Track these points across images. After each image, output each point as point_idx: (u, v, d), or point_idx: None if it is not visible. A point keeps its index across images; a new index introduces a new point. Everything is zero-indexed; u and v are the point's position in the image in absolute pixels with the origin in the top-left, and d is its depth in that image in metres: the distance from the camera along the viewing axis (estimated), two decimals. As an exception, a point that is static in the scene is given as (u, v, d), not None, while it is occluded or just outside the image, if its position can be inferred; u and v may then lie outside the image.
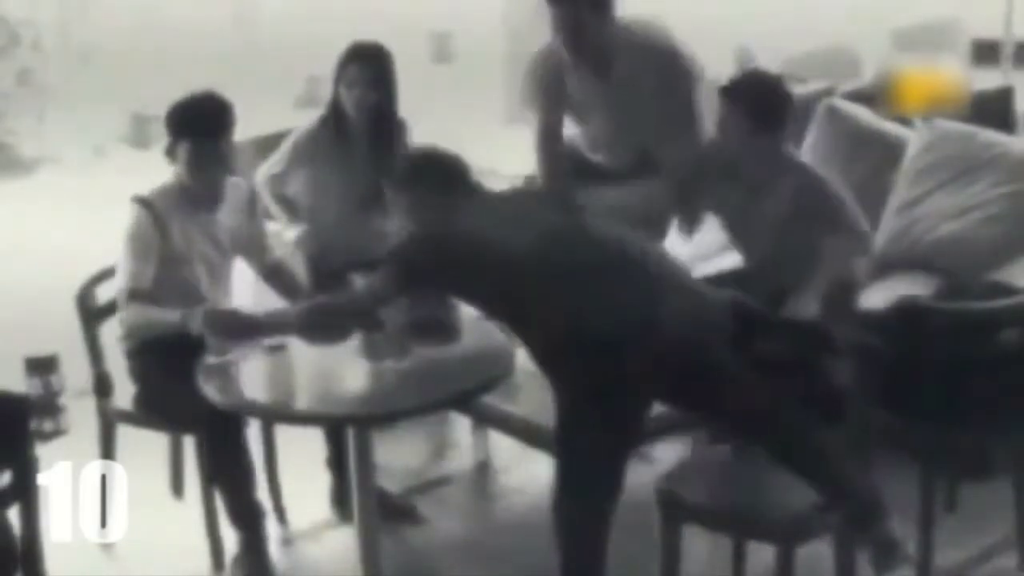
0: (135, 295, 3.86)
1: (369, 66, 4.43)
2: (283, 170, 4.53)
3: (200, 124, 3.88)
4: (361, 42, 4.50)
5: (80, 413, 3.88)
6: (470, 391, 3.54)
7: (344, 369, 3.58)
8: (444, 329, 3.68)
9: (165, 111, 3.92)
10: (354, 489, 3.61)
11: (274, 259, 4.21)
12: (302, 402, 3.61)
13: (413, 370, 3.53)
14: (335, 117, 4.50)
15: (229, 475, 3.82)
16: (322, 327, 3.59)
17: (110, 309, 4.01)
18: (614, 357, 3.12)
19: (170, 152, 3.92)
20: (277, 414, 3.68)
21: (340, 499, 4.20)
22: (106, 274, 4.01)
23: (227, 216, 4.03)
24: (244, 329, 3.58)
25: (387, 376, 3.53)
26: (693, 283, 3.37)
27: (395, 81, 4.48)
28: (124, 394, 4.01)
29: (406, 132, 4.62)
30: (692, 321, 3.18)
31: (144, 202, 3.89)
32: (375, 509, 3.63)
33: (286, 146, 4.56)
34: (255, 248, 4.16)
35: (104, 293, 4.02)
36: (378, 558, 3.62)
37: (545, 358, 3.30)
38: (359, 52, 4.45)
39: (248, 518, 3.84)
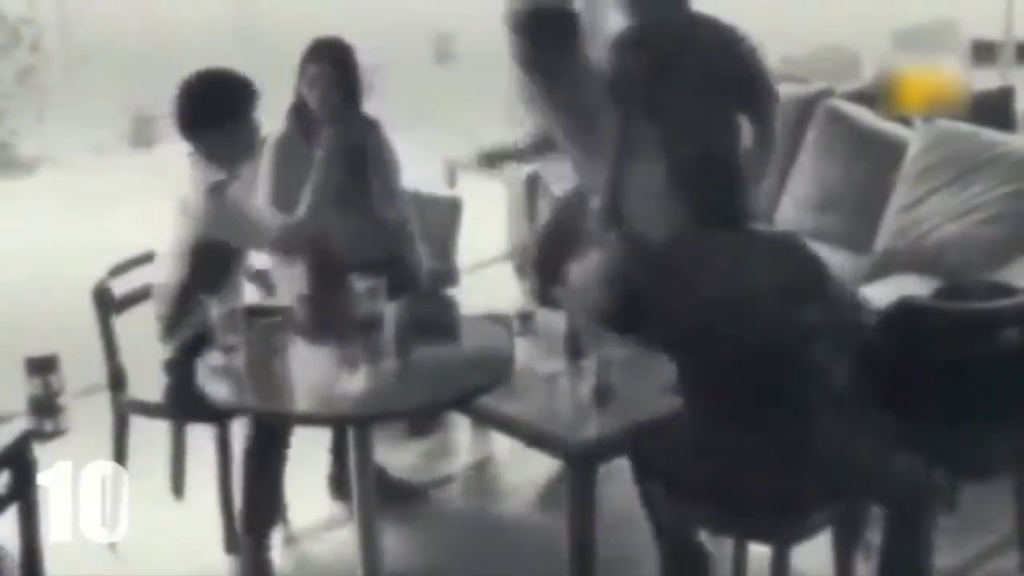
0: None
1: (329, 65, 4.32)
2: (273, 186, 4.48)
3: (230, 104, 3.91)
4: (321, 39, 4.40)
5: (81, 413, 3.87)
6: (470, 391, 3.53)
7: (345, 369, 3.58)
8: (444, 329, 3.68)
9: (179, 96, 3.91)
10: (354, 488, 3.60)
11: None
12: (303, 402, 3.60)
13: (413, 370, 3.53)
14: (298, 119, 4.44)
15: (260, 483, 3.81)
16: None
17: (125, 303, 4.02)
18: None
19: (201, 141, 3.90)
20: (277, 414, 3.68)
21: (338, 480, 4.21)
22: (122, 268, 4.01)
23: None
24: None
25: (387, 376, 3.53)
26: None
27: (358, 78, 4.39)
28: (136, 388, 4.01)
29: (379, 130, 4.55)
30: None
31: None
32: (375, 509, 3.63)
33: (264, 171, 4.47)
34: None
35: (119, 287, 4.01)
36: (378, 557, 3.62)
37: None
38: (318, 50, 4.37)
39: (262, 526, 3.82)
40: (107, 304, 3.99)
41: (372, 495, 3.61)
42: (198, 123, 3.88)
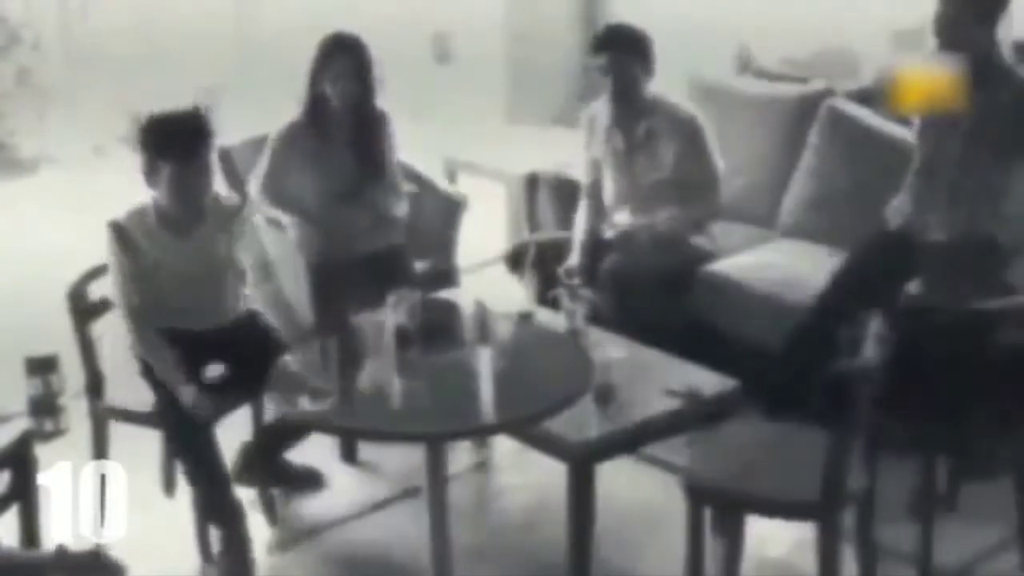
0: (134, 313, 3.80)
1: (353, 57, 4.44)
2: (271, 169, 4.53)
3: (180, 145, 3.68)
4: (340, 33, 4.49)
5: (80, 413, 3.88)
6: (554, 407, 3.42)
7: (428, 385, 3.50)
8: (447, 339, 3.66)
9: (139, 128, 3.79)
10: (428, 505, 3.55)
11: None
12: (382, 420, 3.44)
13: (497, 386, 3.48)
14: (315, 111, 4.49)
15: (202, 473, 3.75)
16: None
17: (102, 307, 3.97)
18: None
19: (148, 174, 3.74)
20: (362, 432, 3.70)
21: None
22: (97, 271, 3.96)
23: (210, 234, 3.86)
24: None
25: (471, 392, 3.47)
26: None
27: (375, 71, 4.48)
28: (116, 392, 3.99)
29: (389, 124, 4.61)
30: None
31: (115, 226, 3.77)
32: (447, 528, 3.57)
33: (267, 149, 4.56)
34: (231, 269, 3.96)
35: (96, 290, 3.99)
36: (450, 569, 3.58)
37: None
38: (343, 44, 4.45)
39: (226, 516, 3.74)
40: (81, 309, 3.95)
41: (444, 511, 3.56)
42: (149, 160, 3.75)
